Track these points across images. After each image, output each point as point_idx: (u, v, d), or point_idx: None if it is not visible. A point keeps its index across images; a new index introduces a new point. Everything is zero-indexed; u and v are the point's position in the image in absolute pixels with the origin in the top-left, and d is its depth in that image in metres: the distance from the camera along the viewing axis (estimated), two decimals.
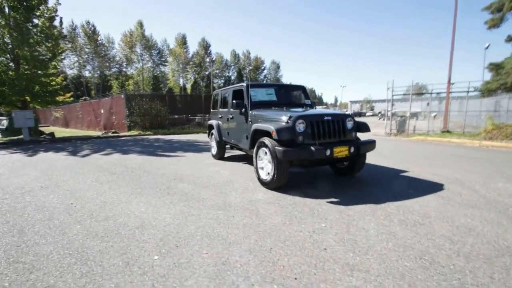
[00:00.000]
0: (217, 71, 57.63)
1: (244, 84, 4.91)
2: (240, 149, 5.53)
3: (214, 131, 6.33)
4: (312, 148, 3.43)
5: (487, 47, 30.46)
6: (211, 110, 7.01)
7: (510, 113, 12.12)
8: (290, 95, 5.39)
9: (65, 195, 3.70)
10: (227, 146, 6.30)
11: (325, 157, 3.50)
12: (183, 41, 56.42)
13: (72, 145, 10.26)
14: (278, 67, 74.09)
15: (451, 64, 12.77)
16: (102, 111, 19.02)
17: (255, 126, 4.16)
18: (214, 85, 61.12)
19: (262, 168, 4.01)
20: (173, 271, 1.86)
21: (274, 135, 3.55)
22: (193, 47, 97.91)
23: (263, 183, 3.90)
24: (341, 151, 3.63)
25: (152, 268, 1.91)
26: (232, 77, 68.60)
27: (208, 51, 60.36)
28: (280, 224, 2.64)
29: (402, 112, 20.25)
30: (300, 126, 3.61)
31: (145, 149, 8.66)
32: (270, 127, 3.67)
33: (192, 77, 59.84)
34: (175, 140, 12.01)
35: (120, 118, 16.98)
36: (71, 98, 21.53)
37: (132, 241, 2.32)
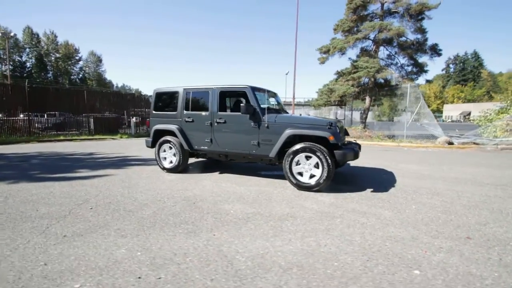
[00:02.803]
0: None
1: (248, 86, 4.51)
2: (227, 156, 4.92)
3: (174, 138, 5.10)
4: (355, 149, 4.05)
5: (287, 73, 42.54)
6: (154, 112, 5.49)
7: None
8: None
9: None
10: None
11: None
12: None
13: None
14: (100, 60, 62.20)
15: (294, 84, 17.30)
16: None
17: (290, 131, 4.06)
18: None
19: (301, 174, 4.06)
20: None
21: (332, 139, 3.80)
22: None
23: (307, 187, 3.95)
24: None
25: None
26: (28, 64, 49.52)
27: None
28: (401, 213, 3.09)
29: None
30: (338, 131, 4.10)
31: None
32: (325, 133, 3.85)
33: None
34: (14, 156, 7.67)
35: None
36: None
37: (357, 273, 1.93)
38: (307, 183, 3.96)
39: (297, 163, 4.06)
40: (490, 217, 3.04)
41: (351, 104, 17.83)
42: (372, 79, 14.63)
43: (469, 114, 55.25)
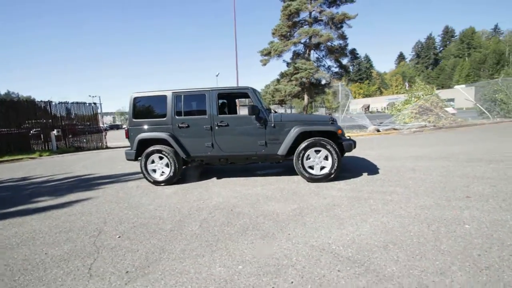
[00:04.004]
0: None
1: (249, 87, 4.51)
2: (227, 160, 4.79)
3: (167, 147, 4.65)
4: (354, 139, 4.60)
5: (217, 75, 42.37)
6: (134, 120, 4.84)
7: None
8: None
9: None
10: None
11: None
12: None
13: None
14: None
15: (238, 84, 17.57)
16: None
17: (301, 129, 4.28)
18: None
19: (312, 167, 4.35)
20: None
21: (340, 133, 4.22)
22: None
23: (320, 179, 4.28)
24: None
25: None
26: None
27: None
28: (408, 188, 3.72)
29: None
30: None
31: None
32: (333, 127, 4.24)
33: None
34: None
35: None
36: None
37: (435, 236, 2.34)
38: (321, 175, 4.29)
39: (307, 158, 4.35)
40: (464, 181, 3.99)
41: (291, 103, 19.35)
42: (308, 79, 16.26)
43: (368, 106, 66.99)
